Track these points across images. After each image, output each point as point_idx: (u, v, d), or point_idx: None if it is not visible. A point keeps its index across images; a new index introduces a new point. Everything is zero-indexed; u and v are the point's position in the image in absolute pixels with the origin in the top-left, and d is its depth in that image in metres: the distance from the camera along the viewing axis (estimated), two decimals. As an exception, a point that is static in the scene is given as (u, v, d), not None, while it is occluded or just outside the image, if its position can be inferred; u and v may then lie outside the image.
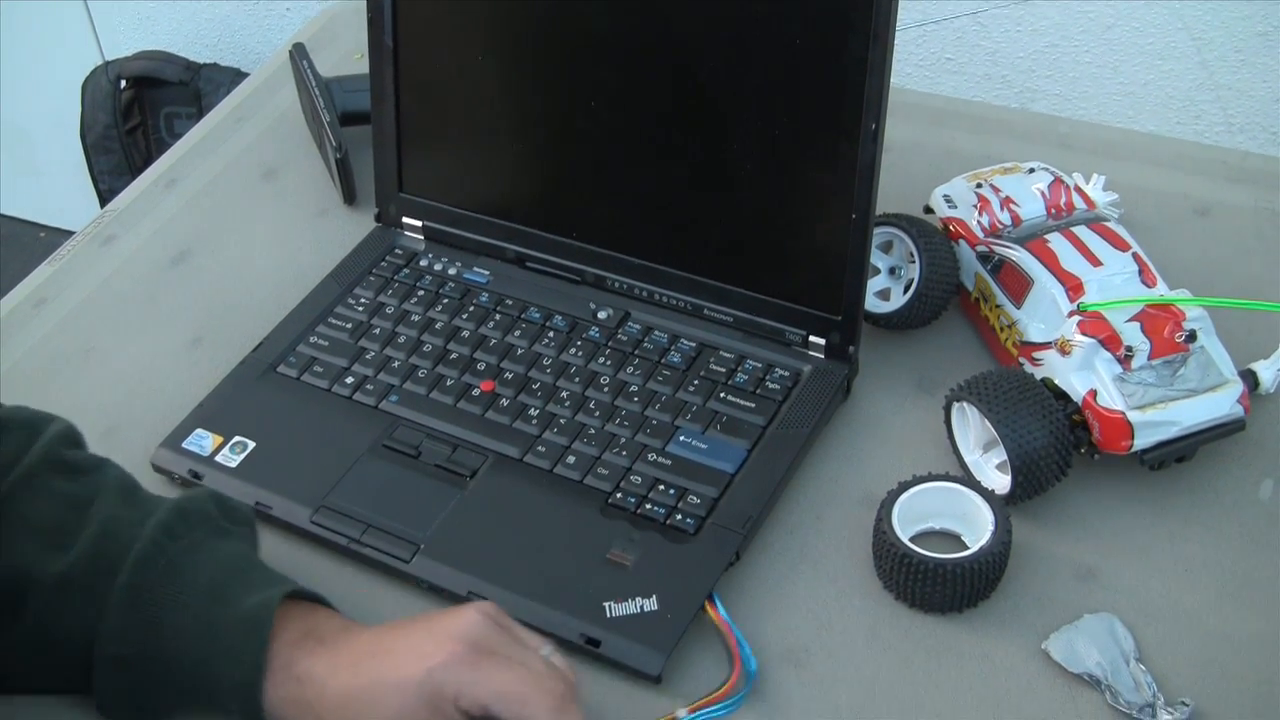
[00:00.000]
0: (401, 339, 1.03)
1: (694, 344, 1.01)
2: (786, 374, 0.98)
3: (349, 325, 1.05)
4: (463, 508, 0.92)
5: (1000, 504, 0.88)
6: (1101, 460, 0.93)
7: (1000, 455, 0.91)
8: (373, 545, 0.90)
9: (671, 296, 1.03)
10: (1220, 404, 0.92)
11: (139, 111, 2.15)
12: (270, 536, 0.93)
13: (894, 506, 0.88)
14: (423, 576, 0.89)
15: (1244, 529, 0.92)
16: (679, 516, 0.90)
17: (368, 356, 1.02)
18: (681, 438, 0.95)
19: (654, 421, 0.96)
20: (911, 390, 1.01)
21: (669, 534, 0.89)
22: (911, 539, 0.87)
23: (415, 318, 1.05)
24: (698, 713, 0.82)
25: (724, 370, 0.99)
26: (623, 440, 0.95)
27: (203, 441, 0.98)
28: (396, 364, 1.01)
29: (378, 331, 1.04)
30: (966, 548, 0.87)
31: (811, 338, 0.99)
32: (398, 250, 1.11)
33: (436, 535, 0.90)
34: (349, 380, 1.01)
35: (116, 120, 2.14)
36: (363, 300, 1.07)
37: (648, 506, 0.91)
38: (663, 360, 1.00)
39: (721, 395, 0.97)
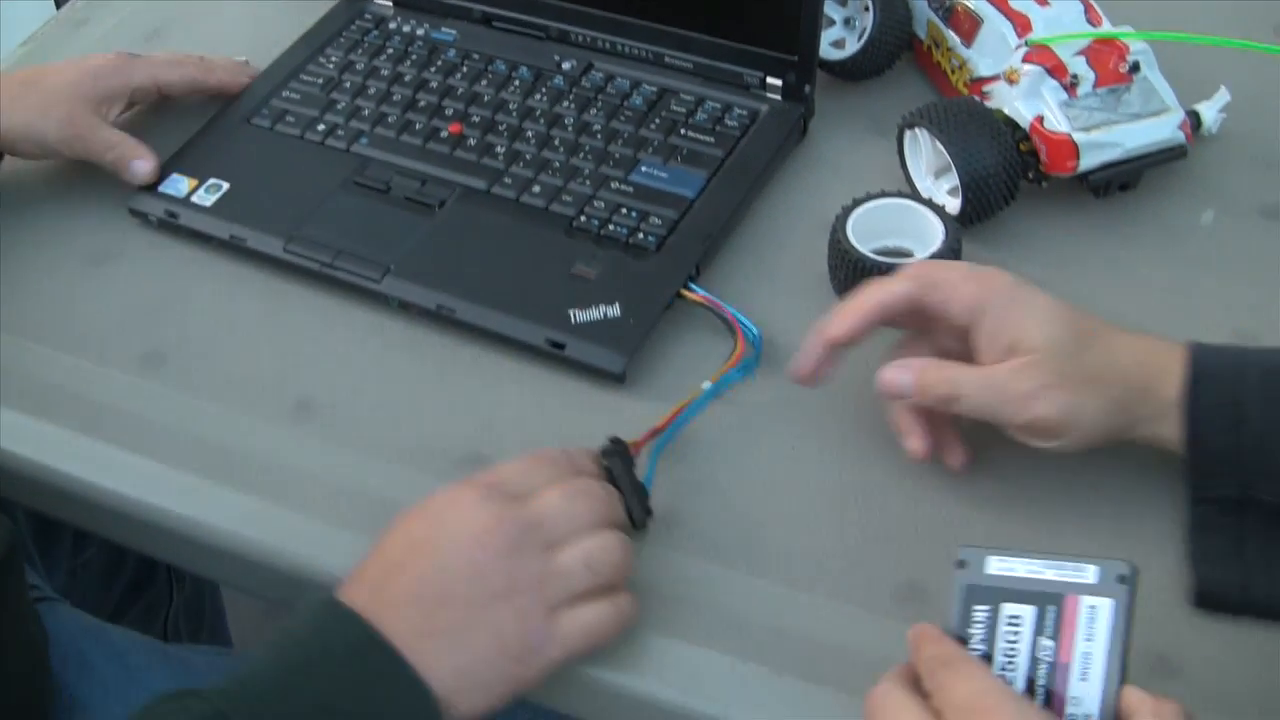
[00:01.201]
0: (371, 90, 1.06)
1: (655, 88, 1.04)
2: (744, 113, 1.01)
3: (320, 80, 1.07)
4: (431, 234, 0.95)
5: (950, 217, 0.91)
6: (1049, 188, 0.97)
7: (951, 181, 0.95)
8: (344, 268, 0.93)
9: (633, 46, 1.06)
10: (1162, 128, 0.96)
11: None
12: (244, 267, 0.97)
13: (849, 219, 0.91)
14: (393, 294, 0.92)
15: (1185, 251, 0.95)
16: (641, 235, 0.93)
17: (338, 107, 1.05)
18: (643, 168, 0.98)
19: (616, 155, 0.99)
20: (866, 133, 1.05)
21: (631, 251, 0.93)
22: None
23: (384, 72, 1.07)
24: (719, 380, 0.87)
25: (684, 111, 1.02)
26: (586, 171, 0.98)
27: (179, 184, 1.00)
28: (366, 112, 1.04)
29: (348, 85, 1.07)
30: (918, 260, 0.91)
31: (769, 79, 1.02)
32: (367, 15, 1.13)
33: (406, 258, 0.94)
34: (320, 127, 1.04)
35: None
36: (333, 60, 1.09)
37: (610, 227, 0.94)
38: (624, 104, 1.03)
39: (682, 132, 1.00)
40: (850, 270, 0.90)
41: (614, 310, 0.89)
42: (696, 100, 1.02)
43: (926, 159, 0.97)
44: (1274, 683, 0.73)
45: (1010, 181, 0.94)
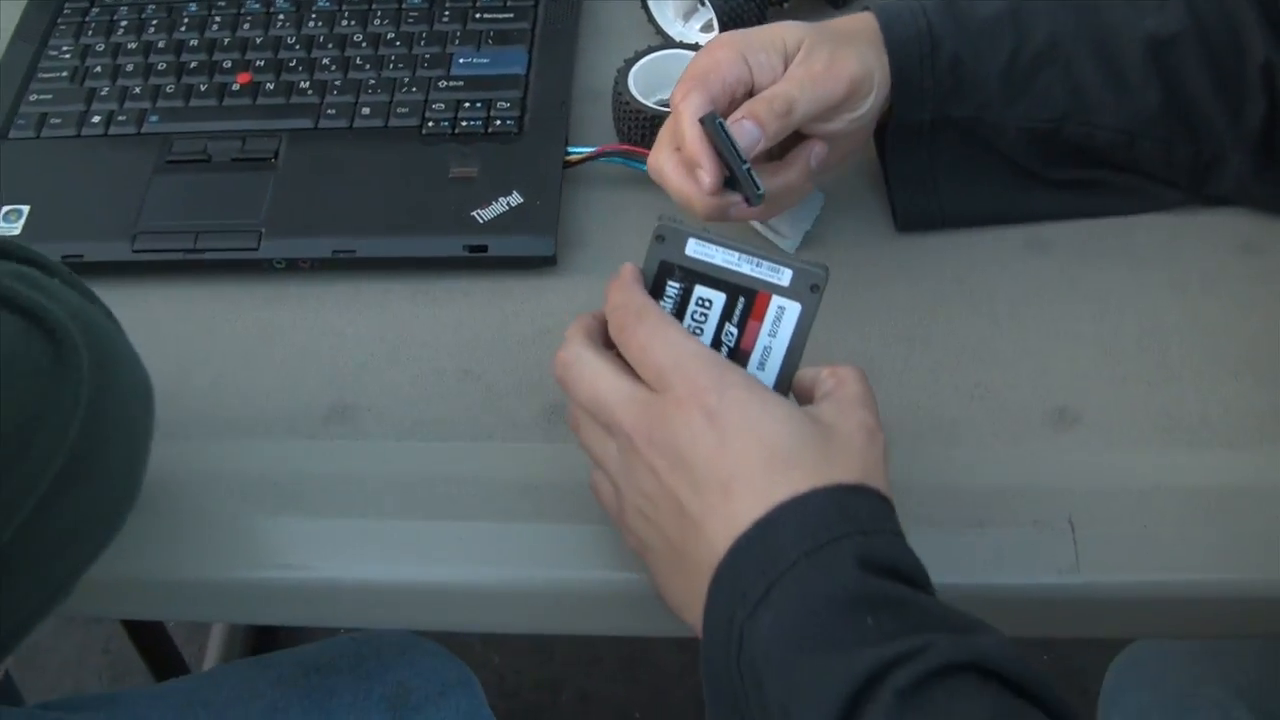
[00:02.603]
0: (129, 67, 0.98)
1: (426, -17, 1.01)
2: (528, -19, 1.00)
3: (65, 73, 0.98)
4: (283, 185, 0.90)
5: None
6: (793, 8, 1.00)
7: (701, 18, 0.98)
8: (212, 247, 0.87)
9: (383, -52, 1.02)
10: None
11: None
12: (91, 284, 0.88)
13: (628, 77, 0.91)
14: (277, 255, 0.87)
15: None
16: (498, 122, 0.91)
17: (103, 93, 0.96)
18: (460, 60, 0.95)
19: (426, 56, 0.96)
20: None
21: (497, 139, 0.91)
22: None
23: (132, 45, 0.99)
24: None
25: (467, -4, 1.00)
26: (406, 80, 0.94)
27: (-31, 223, 0.90)
28: (138, 89, 0.96)
29: (99, 69, 0.98)
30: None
31: (535, -59, 1.01)
32: (75, -5, 1.04)
33: (272, 217, 0.88)
34: (95, 119, 0.95)
35: None
36: (65, 48, 0.99)
37: (463, 124, 0.91)
38: (403, 6, 0.99)
39: (477, 16, 0.98)
40: (637, 123, 0.90)
41: (515, 198, 0.87)
42: (474, -18, 1.00)
43: (673, 4, 0.99)
44: (1167, 412, 0.79)
45: (760, 6, 0.97)
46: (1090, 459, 0.77)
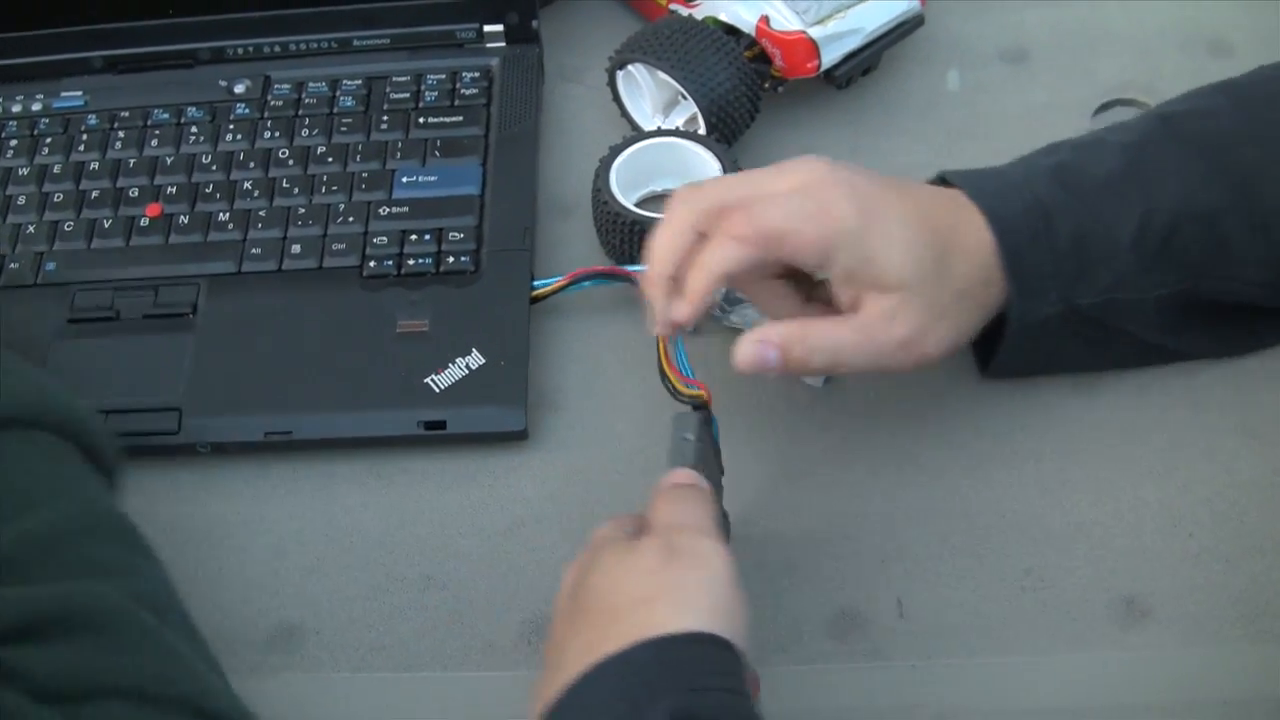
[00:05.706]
0: (20, 199, 0.84)
1: (359, 80, 0.87)
2: (477, 74, 0.87)
3: (-53, 209, 0.85)
4: (205, 349, 0.77)
5: (722, 147, 0.80)
6: (788, 91, 0.87)
7: (684, 112, 0.85)
8: (127, 430, 0.74)
9: (308, 41, 0.88)
10: (897, 2, 0.87)
11: None
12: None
13: (610, 171, 0.79)
14: (202, 439, 0.74)
15: (940, 123, 0.89)
16: (450, 259, 0.78)
17: (-11, 234, 0.83)
18: (403, 179, 0.82)
19: (363, 174, 0.83)
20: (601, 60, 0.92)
21: (451, 281, 0.78)
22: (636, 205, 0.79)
23: (23, 171, 0.85)
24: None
25: (408, 95, 0.86)
26: (342, 207, 0.81)
27: None
28: (31, 228, 0.83)
29: (-13, 202, 0.85)
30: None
31: (487, 27, 0.87)
32: (-47, 107, 0.90)
33: (193, 389, 0.75)
34: (-17, 268, 0.82)
35: None
36: (-54, 177, 0.86)
37: (410, 263, 0.79)
38: (335, 110, 0.86)
39: (420, 120, 0.85)
40: (616, 229, 0.78)
41: (476, 358, 0.74)
42: (415, 78, 0.87)
43: (650, 96, 0.86)
44: (1249, 596, 0.68)
45: (751, 96, 0.84)
46: (1162, 663, 0.66)
